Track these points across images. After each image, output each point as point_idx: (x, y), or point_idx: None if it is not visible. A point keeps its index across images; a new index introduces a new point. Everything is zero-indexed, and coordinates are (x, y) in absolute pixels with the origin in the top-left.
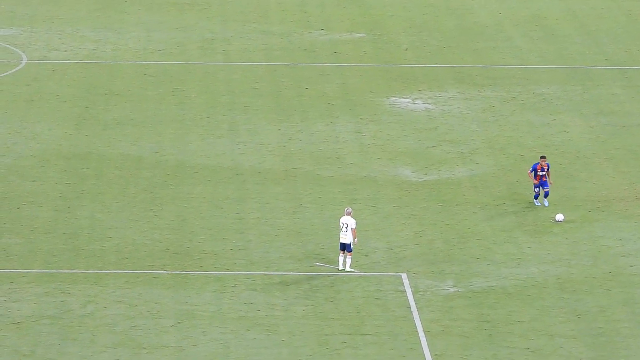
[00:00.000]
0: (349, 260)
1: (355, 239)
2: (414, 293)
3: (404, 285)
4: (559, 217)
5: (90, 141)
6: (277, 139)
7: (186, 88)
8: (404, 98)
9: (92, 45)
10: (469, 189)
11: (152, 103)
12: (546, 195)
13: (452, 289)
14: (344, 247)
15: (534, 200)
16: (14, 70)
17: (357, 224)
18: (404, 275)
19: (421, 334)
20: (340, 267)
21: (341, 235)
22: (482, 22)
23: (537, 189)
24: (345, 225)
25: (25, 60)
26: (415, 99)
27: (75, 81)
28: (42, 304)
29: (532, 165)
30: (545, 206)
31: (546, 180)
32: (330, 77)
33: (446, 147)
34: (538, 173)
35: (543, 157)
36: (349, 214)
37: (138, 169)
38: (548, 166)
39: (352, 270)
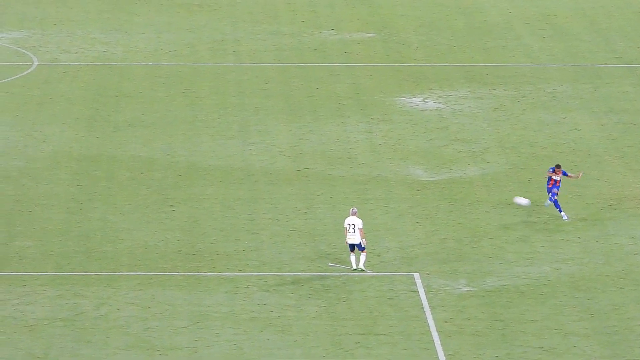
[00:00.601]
0: (363, 258)
1: (364, 239)
2: (426, 292)
3: (416, 285)
4: (521, 200)
5: (101, 143)
6: (288, 139)
7: (197, 89)
8: (414, 97)
9: (102, 47)
10: (480, 188)
11: (163, 104)
12: (551, 199)
13: (464, 288)
14: (354, 247)
15: (560, 213)
16: (25, 73)
17: (364, 223)
18: (416, 275)
19: (434, 334)
20: (354, 267)
21: (349, 237)
22: (492, 21)
23: (552, 195)
24: (352, 226)
25: (36, 63)
26: (426, 98)
27: (86, 83)
28: (55, 306)
29: (549, 167)
30: (545, 206)
31: (558, 186)
32: (341, 77)
33: (457, 146)
34: (552, 177)
35: (558, 166)
36: (354, 214)
37: (150, 170)
38: (564, 173)
39: (364, 269)
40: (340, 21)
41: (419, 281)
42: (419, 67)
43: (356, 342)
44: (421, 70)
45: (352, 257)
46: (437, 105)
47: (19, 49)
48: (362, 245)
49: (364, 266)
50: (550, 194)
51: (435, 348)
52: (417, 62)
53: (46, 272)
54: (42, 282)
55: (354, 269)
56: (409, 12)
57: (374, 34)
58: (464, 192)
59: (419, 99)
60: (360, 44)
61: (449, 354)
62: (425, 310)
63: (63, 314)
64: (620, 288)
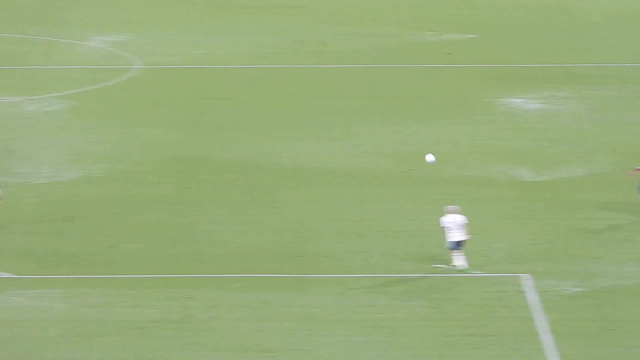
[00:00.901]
0: (463, 256)
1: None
2: (535, 293)
3: (525, 286)
4: (429, 157)
5: (205, 146)
6: (393, 141)
7: (299, 91)
8: (518, 98)
9: (203, 50)
10: (586, 189)
11: (266, 107)
12: None
13: (574, 289)
14: (457, 245)
15: None
16: (127, 76)
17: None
18: (525, 276)
19: (545, 335)
20: (460, 267)
21: (452, 234)
22: (595, 20)
23: None
24: (453, 224)
25: (138, 66)
26: (530, 98)
27: (189, 86)
28: (165, 308)
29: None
30: None
31: None
32: (443, 78)
33: (562, 146)
34: None
35: None
36: (454, 211)
37: (255, 172)
38: None
39: (468, 268)
40: (441, 22)
41: (527, 282)
42: (521, 67)
43: (467, 344)
44: (524, 70)
45: (456, 256)
46: (541, 105)
47: (121, 52)
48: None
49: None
50: None
51: (547, 349)
52: (519, 63)
53: (155, 274)
54: (152, 284)
55: (461, 269)
56: (510, 13)
57: (475, 34)
58: (569, 192)
59: (522, 100)
60: (462, 44)
61: (561, 355)
62: (535, 311)
63: (173, 316)
64: None
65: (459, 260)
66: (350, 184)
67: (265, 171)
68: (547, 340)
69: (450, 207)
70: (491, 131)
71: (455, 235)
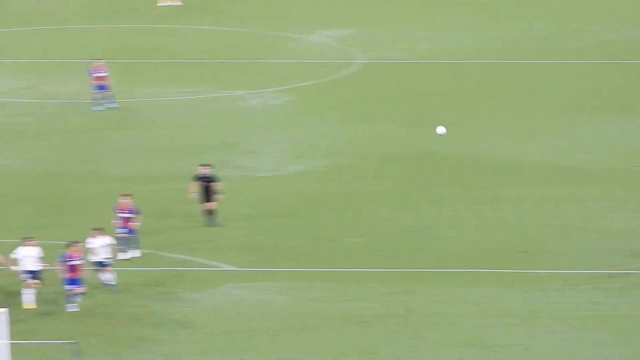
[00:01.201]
0: None
1: None
2: None
3: None
4: (441, 130)
5: (427, 141)
6: (615, 137)
7: (521, 87)
8: None
9: (427, 45)
10: None
11: (489, 103)
12: None
13: None
14: None
15: None
16: (350, 70)
17: None
18: None
19: None
20: None
21: None
22: None
23: None
24: None
25: (361, 61)
26: None
27: (411, 81)
28: (387, 303)
29: None
30: None
31: None
32: None
33: None
34: None
35: None
36: None
37: (476, 168)
38: None
39: None
40: None
41: None
42: None
43: None
44: None
45: None
46: None
47: (344, 46)
48: None
49: None
50: None
51: None
52: None
53: (377, 268)
54: (373, 278)
55: None
56: None
57: None
58: None
59: None
60: None
61: None
62: None
63: (396, 310)
64: None
65: None
66: (572, 181)
67: (486, 167)
68: None
69: None
70: None
71: None
